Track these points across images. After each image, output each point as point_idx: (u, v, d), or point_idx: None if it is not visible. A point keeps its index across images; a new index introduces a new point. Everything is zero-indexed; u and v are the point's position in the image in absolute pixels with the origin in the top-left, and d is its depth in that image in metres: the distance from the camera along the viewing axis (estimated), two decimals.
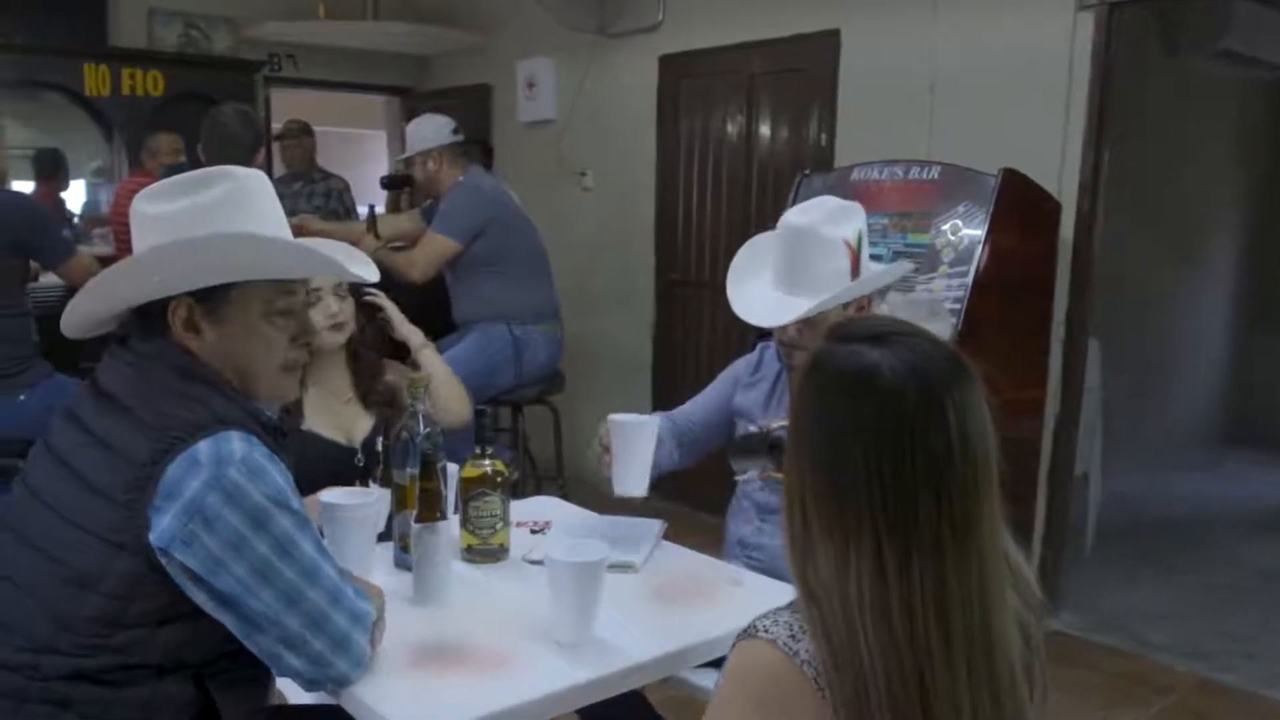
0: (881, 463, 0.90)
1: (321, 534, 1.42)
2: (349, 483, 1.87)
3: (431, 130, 3.66)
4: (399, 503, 1.73)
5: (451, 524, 1.72)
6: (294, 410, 2.02)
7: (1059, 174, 3.25)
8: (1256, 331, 5.78)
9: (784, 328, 1.92)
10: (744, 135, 4.24)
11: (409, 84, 6.04)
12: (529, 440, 4.19)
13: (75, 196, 5.53)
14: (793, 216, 1.91)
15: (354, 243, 3.64)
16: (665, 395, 4.34)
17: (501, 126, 5.40)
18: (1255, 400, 5.76)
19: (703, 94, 4.39)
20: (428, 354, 2.29)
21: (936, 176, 3.18)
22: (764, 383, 2.10)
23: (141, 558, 1.22)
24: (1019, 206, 3.10)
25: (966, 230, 3.06)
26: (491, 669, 1.38)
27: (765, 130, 4.18)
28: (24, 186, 4.75)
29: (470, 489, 1.75)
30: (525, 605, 1.54)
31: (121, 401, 1.29)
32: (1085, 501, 3.85)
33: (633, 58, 4.61)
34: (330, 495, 1.68)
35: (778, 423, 1.80)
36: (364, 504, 1.69)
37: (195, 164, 3.55)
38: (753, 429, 2.01)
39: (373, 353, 2.20)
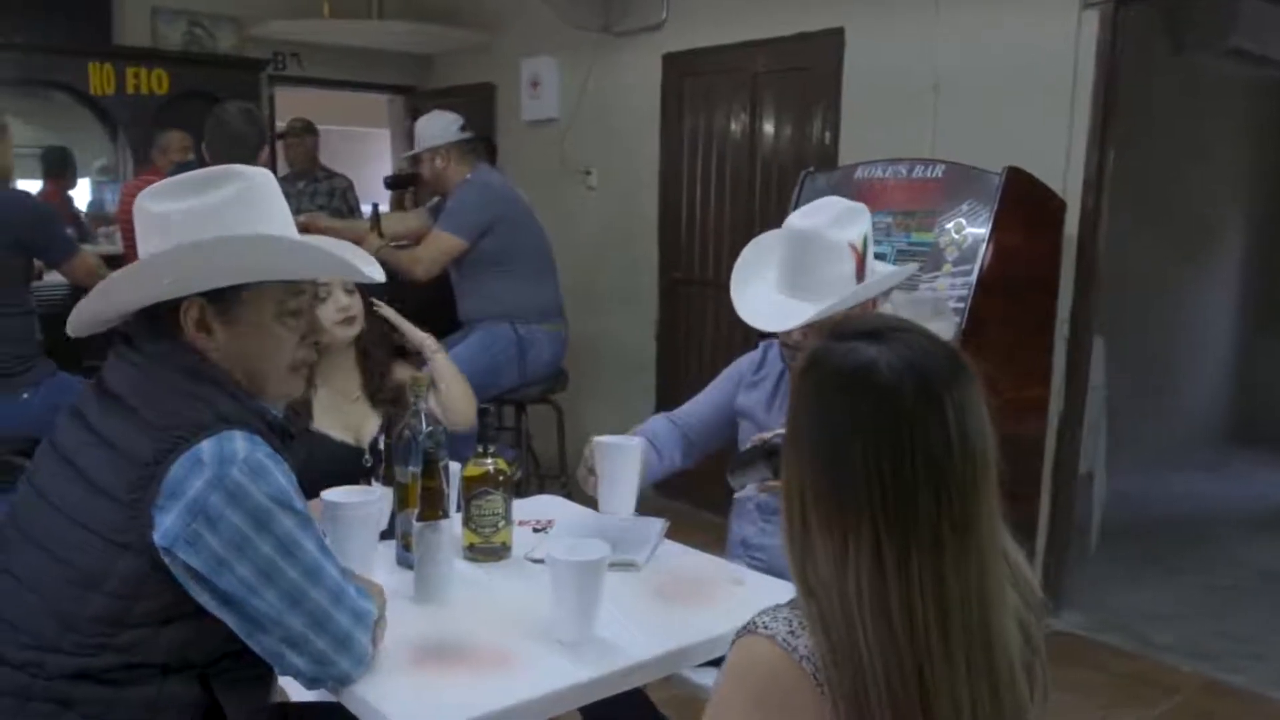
0: (880, 460, 0.90)
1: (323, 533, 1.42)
2: (357, 484, 1.87)
3: (440, 127, 3.66)
4: (401, 501, 1.73)
5: (454, 522, 1.72)
6: (302, 411, 2.02)
7: (1064, 172, 3.24)
8: (1262, 331, 5.76)
9: (788, 331, 1.92)
10: (748, 134, 4.24)
11: (413, 83, 6.04)
12: (532, 439, 4.19)
13: (80, 195, 5.54)
14: (797, 220, 1.90)
15: (358, 241, 3.66)
16: (669, 394, 4.34)
17: (505, 125, 5.40)
18: (1260, 400, 5.74)
19: (706, 93, 4.39)
20: (440, 359, 2.29)
21: (940, 175, 3.18)
22: (767, 381, 2.10)
23: (145, 557, 1.22)
24: (1023, 205, 3.09)
25: (970, 229, 3.05)
26: (493, 667, 1.38)
27: (769, 129, 4.17)
28: (31, 185, 4.76)
29: (473, 487, 1.75)
30: (527, 604, 1.54)
31: (126, 401, 1.29)
32: (1089, 501, 3.85)
33: (637, 56, 4.61)
34: (332, 494, 1.68)
35: (770, 433, 1.79)
36: (366, 502, 1.69)
37: (201, 162, 3.57)
38: (750, 442, 1.99)
39: (381, 350, 2.20)
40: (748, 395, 2.11)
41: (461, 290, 3.69)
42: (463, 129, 3.68)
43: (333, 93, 6.10)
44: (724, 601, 1.64)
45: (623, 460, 1.87)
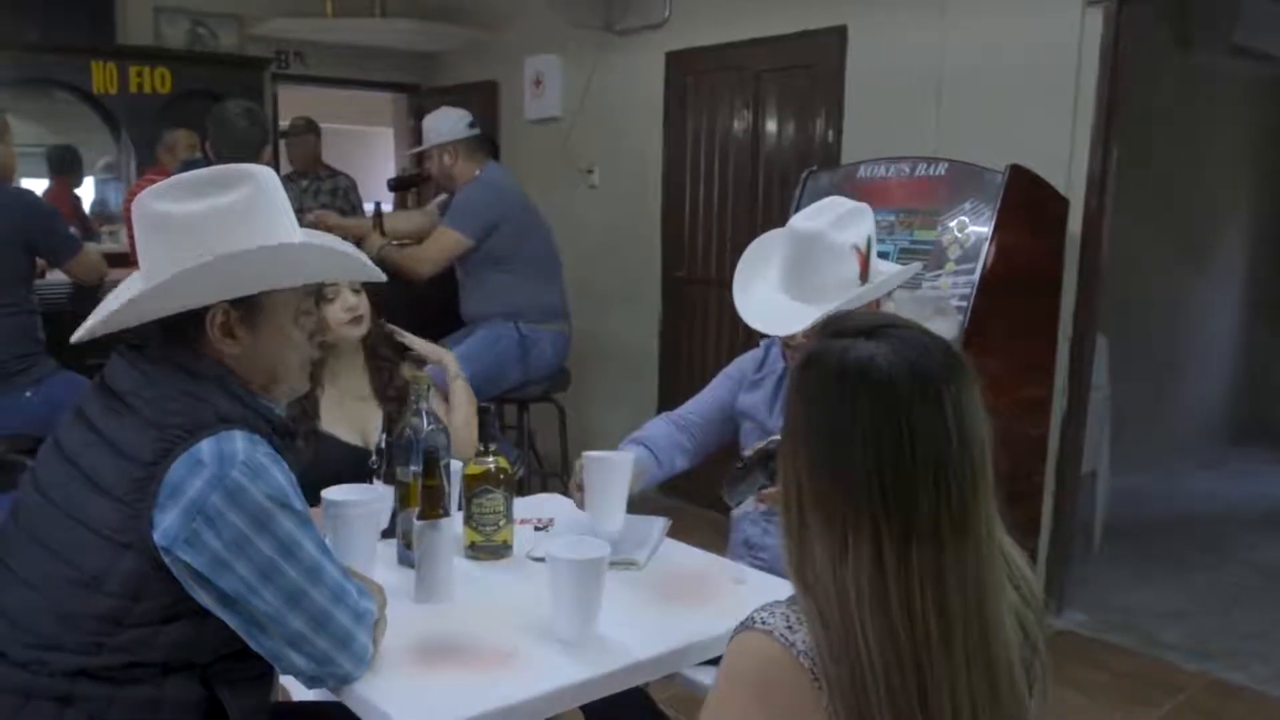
0: (879, 456, 0.90)
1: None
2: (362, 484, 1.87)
3: (448, 123, 3.66)
4: (402, 500, 1.73)
5: (455, 521, 1.72)
6: (310, 411, 2.03)
7: (1067, 171, 3.24)
8: (1266, 329, 5.75)
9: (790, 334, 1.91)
10: (750, 132, 4.23)
11: (416, 81, 6.04)
12: (535, 437, 4.19)
13: (84, 193, 5.55)
14: (800, 221, 1.88)
15: (362, 238, 3.67)
16: (671, 392, 4.34)
17: (508, 123, 5.40)
18: (1264, 398, 5.73)
19: (709, 91, 4.39)
20: (460, 385, 2.28)
21: (943, 173, 3.17)
22: (768, 381, 2.09)
23: (146, 557, 1.22)
24: (1026, 203, 3.09)
25: (973, 227, 3.05)
26: (493, 666, 1.38)
27: (772, 127, 4.17)
28: (34, 183, 4.77)
29: (474, 486, 1.75)
30: (528, 602, 1.54)
31: (127, 400, 1.29)
32: (1092, 499, 3.84)
33: (639, 54, 4.61)
34: (333, 492, 1.68)
35: (763, 442, 1.77)
36: (367, 501, 1.69)
37: (207, 161, 3.57)
38: (743, 456, 1.98)
39: (388, 349, 2.21)
40: (749, 396, 2.10)
41: (466, 288, 3.69)
42: (471, 125, 3.68)
43: (335, 91, 6.10)
44: (725, 600, 1.64)
45: (612, 474, 1.83)
